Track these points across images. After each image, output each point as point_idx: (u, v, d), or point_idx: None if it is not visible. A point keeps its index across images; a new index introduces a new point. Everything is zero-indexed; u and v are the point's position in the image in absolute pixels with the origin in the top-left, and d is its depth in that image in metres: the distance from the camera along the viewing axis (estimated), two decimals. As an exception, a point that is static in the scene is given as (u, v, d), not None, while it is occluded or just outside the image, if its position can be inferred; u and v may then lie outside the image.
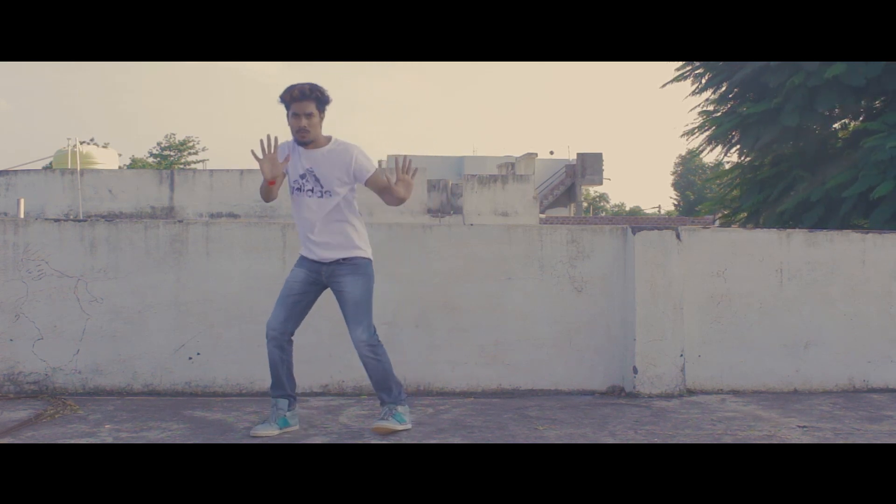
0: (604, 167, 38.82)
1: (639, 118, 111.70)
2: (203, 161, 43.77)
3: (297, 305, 3.87)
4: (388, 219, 10.95)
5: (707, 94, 12.86)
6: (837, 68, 9.65)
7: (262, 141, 3.80)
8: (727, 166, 14.98)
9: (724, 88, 12.48)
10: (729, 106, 12.65)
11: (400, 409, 3.90)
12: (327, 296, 3.98)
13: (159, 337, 4.86)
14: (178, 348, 4.87)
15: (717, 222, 16.89)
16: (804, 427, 4.20)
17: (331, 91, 3.81)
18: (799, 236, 5.36)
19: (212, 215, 17.69)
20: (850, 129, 11.90)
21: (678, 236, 5.13)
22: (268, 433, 3.80)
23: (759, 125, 11.13)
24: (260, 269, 4.90)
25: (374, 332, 3.86)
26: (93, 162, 22.67)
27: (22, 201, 13.73)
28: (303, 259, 3.92)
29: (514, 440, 3.82)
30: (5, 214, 16.28)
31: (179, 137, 45.59)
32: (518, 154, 41.11)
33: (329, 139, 3.87)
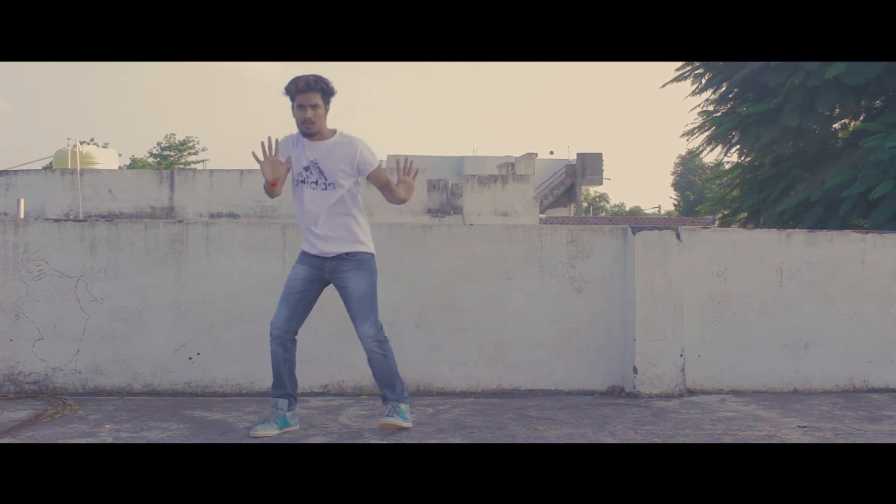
0: (604, 167, 38.84)
1: (639, 118, 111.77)
2: (203, 161, 43.81)
3: (300, 303, 3.86)
4: (388, 219, 10.94)
5: (707, 94, 12.87)
6: (837, 68, 9.65)
7: (262, 143, 3.80)
8: (727, 166, 14.98)
9: (724, 88, 12.48)
10: (729, 106, 12.65)
11: (402, 406, 3.91)
12: (327, 296, 3.98)
13: (159, 337, 4.86)
14: (178, 348, 4.87)
15: (717, 222, 16.89)
16: (804, 427, 4.20)
17: (332, 89, 3.82)
18: (799, 236, 5.36)
19: (212, 215, 17.69)
20: (850, 129, 11.90)
21: (678, 236, 5.13)
22: (268, 433, 3.80)
23: (759, 125, 11.13)
24: (260, 269, 4.90)
25: (381, 327, 3.86)
26: (93, 162, 22.66)
27: (22, 201, 13.73)
28: (304, 255, 3.91)
29: (514, 440, 3.82)
30: (5, 214, 16.28)
31: (179, 137, 45.63)
32: (518, 154, 41.12)
33: (334, 132, 3.87)
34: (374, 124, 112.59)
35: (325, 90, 3.77)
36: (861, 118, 11.70)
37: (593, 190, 50.82)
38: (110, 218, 15.46)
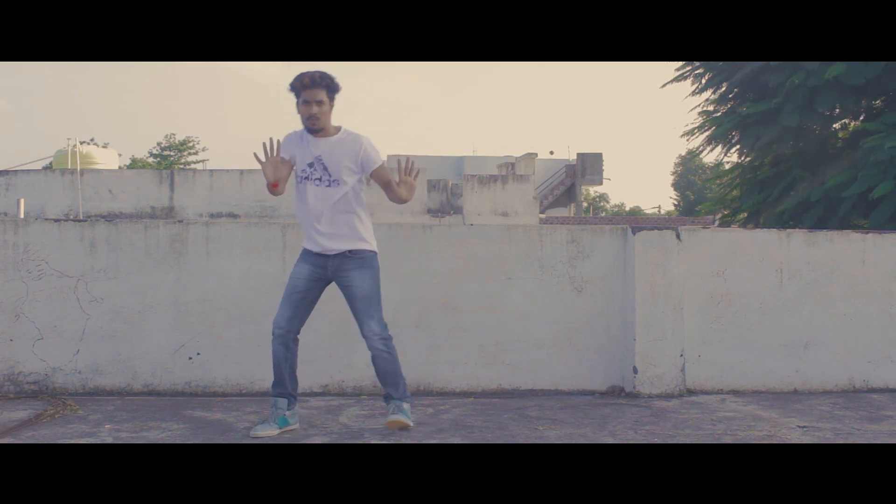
0: (604, 167, 38.84)
1: (639, 118, 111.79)
2: (203, 161, 43.84)
3: (302, 302, 3.86)
4: (388, 219, 10.91)
5: (707, 94, 12.87)
6: (837, 68, 9.65)
7: (264, 144, 3.80)
8: (727, 166, 14.98)
9: (724, 88, 12.48)
10: (729, 106, 12.65)
11: (405, 405, 3.92)
12: (327, 296, 3.98)
13: (159, 337, 4.86)
14: (178, 348, 4.87)
15: (717, 222, 16.89)
16: (804, 427, 4.20)
17: (333, 89, 3.83)
18: (799, 236, 5.36)
19: (212, 215, 17.69)
20: (850, 129, 11.90)
21: (678, 236, 5.13)
22: (267, 433, 3.80)
23: (759, 125, 11.13)
24: (260, 270, 4.90)
25: (386, 325, 3.86)
26: (93, 162, 22.67)
27: (22, 201, 13.73)
28: (306, 253, 3.90)
29: (514, 440, 3.82)
30: (5, 214, 16.28)
31: (179, 137, 45.66)
32: (518, 154, 41.12)
33: (338, 129, 3.88)
34: (374, 124, 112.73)
35: (330, 86, 3.78)
36: (861, 118, 11.70)
37: (593, 190, 50.83)
38: (110, 218, 15.46)
